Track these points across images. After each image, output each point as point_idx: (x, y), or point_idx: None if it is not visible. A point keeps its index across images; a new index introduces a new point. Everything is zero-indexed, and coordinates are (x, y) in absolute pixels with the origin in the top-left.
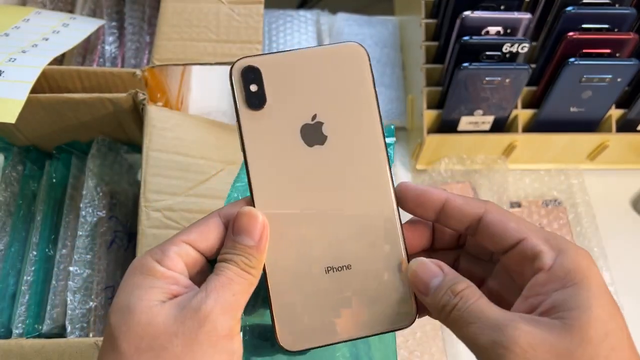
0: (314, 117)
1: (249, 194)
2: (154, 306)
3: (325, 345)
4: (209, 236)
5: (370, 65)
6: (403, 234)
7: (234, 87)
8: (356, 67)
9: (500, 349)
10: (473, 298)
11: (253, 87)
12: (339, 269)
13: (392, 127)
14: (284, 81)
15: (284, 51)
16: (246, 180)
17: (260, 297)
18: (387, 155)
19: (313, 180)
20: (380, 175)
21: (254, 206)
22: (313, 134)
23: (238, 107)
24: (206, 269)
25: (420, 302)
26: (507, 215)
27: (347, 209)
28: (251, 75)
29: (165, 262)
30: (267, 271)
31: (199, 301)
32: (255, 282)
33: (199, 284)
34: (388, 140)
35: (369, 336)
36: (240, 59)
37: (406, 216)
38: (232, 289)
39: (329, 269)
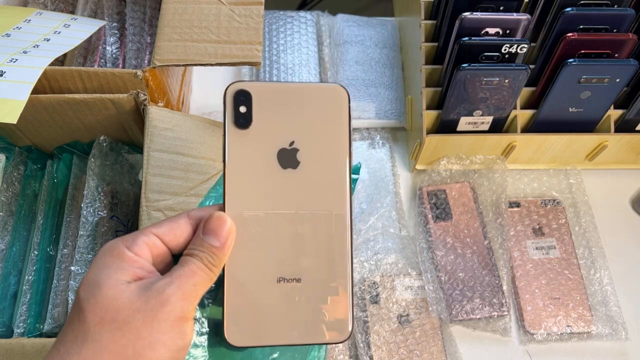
0: (292, 143)
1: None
2: (120, 284)
3: (265, 346)
4: (177, 233)
5: (349, 106)
6: (352, 260)
7: (226, 106)
8: (336, 107)
9: None
10: None
11: (242, 109)
12: (290, 280)
13: (359, 165)
14: (270, 108)
15: (276, 82)
16: (220, 192)
17: (218, 296)
18: (350, 189)
19: (281, 199)
20: (340, 205)
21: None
22: (288, 158)
23: (226, 123)
24: (169, 261)
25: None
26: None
27: (306, 230)
28: (243, 98)
29: (134, 248)
30: (225, 272)
31: (163, 285)
32: (214, 278)
33: (161, 273)
34: (353, 176)
35: (307, 344)
36: (236, 82)
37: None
38: (193, 280)
39: (281, 279)
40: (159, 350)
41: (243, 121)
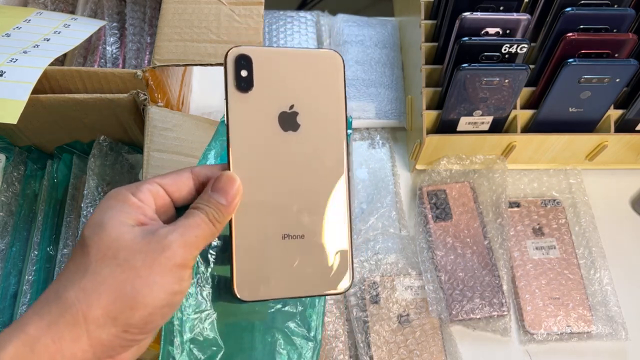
0: (292, 107)
1: (218, 161)
2: (123, 226)
3: (273, 299)
4: (179, 185)
5: (344, 71)
6: (350, 214)
7: (227, 70)
8: (332, 71)
9: None
10: None
11: (243, 72)
12: (294, 237)
13: (350, 119)
14: (270, 72)
15: (275, 47)
16: (216, 149)
17: (224, 255)
18: (347, 148)
19: (283, 160)
20: (338, 164)
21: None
22: (288, 121)
23: (228, 87)
24: (172, 213)
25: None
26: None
27: (307, 188)
28: (243, 62)
29: (138, 194)
30: (232, 230)
31: (166, 232)
32: (216, 234)
33: (163, 222)
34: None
35: (310, 296)
36: (237, 46)
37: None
38: (196, 232)
39: (286, 236)
40: (156, 291)
41: (244, 85)
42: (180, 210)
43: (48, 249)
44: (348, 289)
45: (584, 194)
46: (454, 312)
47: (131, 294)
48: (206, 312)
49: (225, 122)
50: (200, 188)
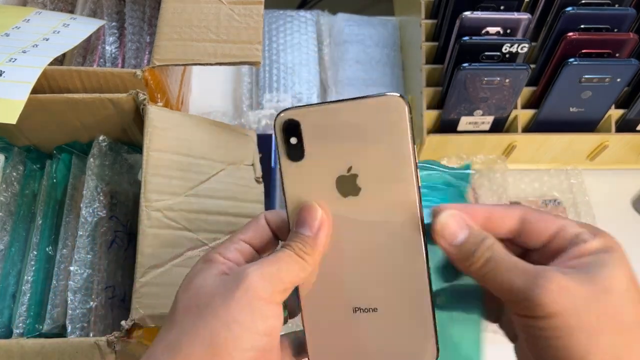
0: (349, 169)
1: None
2: (209, 277)
3: None
4: (262, 238)
5: (410, 117)
6: (430, 282)
7: (277, 139)
8: (393, 120)
9: (535, 289)
10: (502, 251)
11: (293, 140)
12: (366, 310)
13: (469, 165)
14: (321, 134)
15: (324, 103)
16: None
17: None
18: (420, 208)
19: (347, 228)
20: (412, 226)
21: None
22: (348, 185)
23: (280, 157)
24: None
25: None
26: (542, 213)
27: (379, 257)
28: (291, 128)
29: (227, 254)
30: (301, 304)
31: (243, 268)
32: (307, 268)
33: None
34: (464, 171)
35: None
36: (283, 111)
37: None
38: (277, 264)
39: (357, 309)
40: (235, 330)
41: (295, 153)
42: None
43: (47, 249)
44: None
45: (585, 194)
46: None
47: (210, 339)
48: None
49: (282, 192)
50: (275, 235)
